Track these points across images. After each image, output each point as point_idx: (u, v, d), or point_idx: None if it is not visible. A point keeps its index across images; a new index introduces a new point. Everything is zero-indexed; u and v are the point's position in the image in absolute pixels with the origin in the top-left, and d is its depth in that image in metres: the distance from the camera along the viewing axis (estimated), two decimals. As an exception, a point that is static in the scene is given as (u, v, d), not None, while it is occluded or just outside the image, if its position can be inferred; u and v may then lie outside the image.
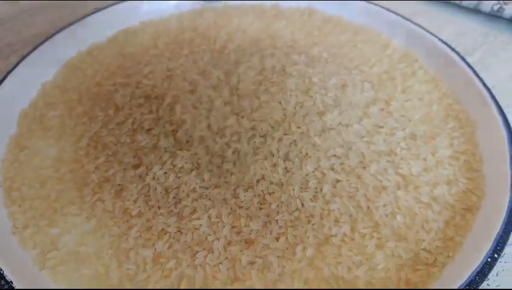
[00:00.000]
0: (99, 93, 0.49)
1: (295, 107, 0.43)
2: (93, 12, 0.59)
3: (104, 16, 0.59)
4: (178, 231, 0.38)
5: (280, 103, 0.43)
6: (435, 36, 0.55)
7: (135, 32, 0.59)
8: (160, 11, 0.62)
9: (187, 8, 0.63)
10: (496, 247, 0.35)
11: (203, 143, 0.41)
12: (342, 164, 0.41)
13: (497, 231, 0.36)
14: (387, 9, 0.60)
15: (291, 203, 0.39)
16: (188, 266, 0.36)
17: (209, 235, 0.37)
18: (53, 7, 0.67)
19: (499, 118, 0.45)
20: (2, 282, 0.33)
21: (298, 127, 0.42)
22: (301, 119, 0.42)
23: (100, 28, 0.58)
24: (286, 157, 0.41)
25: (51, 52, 0.54)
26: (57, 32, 0.55)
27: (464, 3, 0.66)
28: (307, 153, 0.41)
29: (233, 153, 0.40)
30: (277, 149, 0.41)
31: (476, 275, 0.34)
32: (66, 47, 0.55)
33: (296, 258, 0.37)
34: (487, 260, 0.34)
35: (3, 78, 0.49)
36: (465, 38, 0.62)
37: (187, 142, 0.42)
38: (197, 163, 0.41)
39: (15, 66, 0.50)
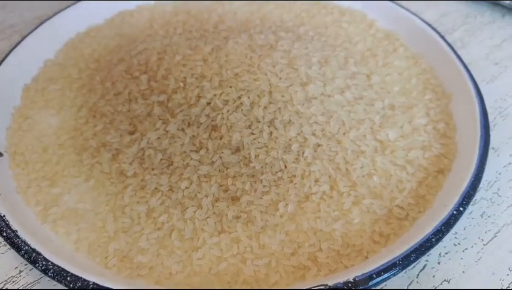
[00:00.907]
0: (97, 68, 0.52)
1: (280, 78, 0.46)
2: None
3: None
4: (170, 189, 0.41)
5: (266, 74, 0.46)
6: (417, 16, 0.58)
7: (131, 14, 0.62)
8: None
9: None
10: (461, 202, 0.38)
11: (193, 111, 0.44)
12: (323, 130, 0.44)
13: (464, 188, 0.39)
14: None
15: (275, 164, 0.42)
16: (178, 219, 0.39)
17: (199, 193, 0.41)
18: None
19: (473, 91, 0.48)
20: (8, 231, 0.36)
21: (282, 96, 0.44)
22: (285, 89, 0.45)
23: (98, 10, 0.61)
24: (271, 124, 0.43)
25: (51, 32, 0.57)
26: (57, 13, 0.58)
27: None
28: (290, 120, 0.44)
29: (222, 119, 0.43)
30: (262, 116, 0.44)
31: (442, 225, 0.37)
32: (66, 28, 0.58)
33: (278, 214, 0.40)
34: (453, 213, 0.37)
35: (7, 55, 0.52)
36: (447, 18, 0.65)
37: (179, 110, 0.45)
38: (188, 129, 0.43)
39: (17, 44, 0.53)
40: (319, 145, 0.43)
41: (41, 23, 0.57)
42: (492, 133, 0.48)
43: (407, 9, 0.60)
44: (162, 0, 0.64)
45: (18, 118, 0.48)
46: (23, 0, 0.68)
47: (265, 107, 0.44)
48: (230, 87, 0.45)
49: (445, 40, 0.54)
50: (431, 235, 0.36)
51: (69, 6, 0.59)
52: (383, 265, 0.34)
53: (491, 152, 0.46)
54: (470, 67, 0.51)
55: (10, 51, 0.52)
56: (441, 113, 0.48)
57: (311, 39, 0.54)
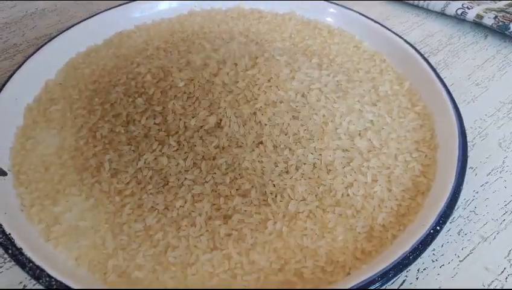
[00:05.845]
0: (96, 90, 0.55)
1: (268, 102, 0.48)
2: (91, 16, 0.64)
3: (101, 19, 0.65)
4: (165, 208, 0.43)
5: (254, 98, 0.49)
6: (402, 38, 0.61)
7: (129, 35, 0.64)
8: (152, 15, 0.67)
9: (178, 11, 0.69)
10: (438, 221, 0.41)
11: (187, 133, 0.47)
12: (310, 151, 0.46)
13: (441, 208, 0.42)
14: (361, 14, 0.66)
15: (264, 185, 0.44)
16: (173, 237, 0.42)
17: (193, 211, 0.43)
18: (54, 11, 0.73)
19: (452, 113, 0.50)
20: (13, 249, 0.38)
21: (271, 118, 0.47)
22: (274, 112, 0.48)
23: (97, 30, 0.64)
24: (260, 144, 0.46)
25: (53, 53, 0.59)
26: (58, 34, 0.61)
27: (431, 6, 0.72)
28: (278, 141, 0.46)
29: (214, 140, 0.46)
30: (253, 137, 0.46)
31: (420, 243, 0.39)
32: (67, 48, 0.61)
33: (267, 231, 0.42)
34: (430, 232, 0.40)
35: (11, 76, 0.54)
36: (432, 39, 0.68)
37: (174, 132, 0.47)
38: (182, 150, 0.46)
39: (21, 65, 0.56)
40: (306, 165, 0.46)
41: (44, 44, 0.59)
42: (471, 153, 0.51)
43: (393, 31, 0.62)
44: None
45: (21, 137, 0.50)
46: (25, 20, 0.71)
47: (254, 129, 0.47)
48: (224, 109, 0.47)
49: (428, 62, 0.57)
50: (409, 253, 0.38)
51: (69, 27, 0.62)
52: (363, 281, 0.37)
53: (469, 171, 0.49)
54: (452, 88, 0.54)
55: (15, 71, 0.54)
56: (422, 133, 0.51)
57: (297, 61, 0.57)
